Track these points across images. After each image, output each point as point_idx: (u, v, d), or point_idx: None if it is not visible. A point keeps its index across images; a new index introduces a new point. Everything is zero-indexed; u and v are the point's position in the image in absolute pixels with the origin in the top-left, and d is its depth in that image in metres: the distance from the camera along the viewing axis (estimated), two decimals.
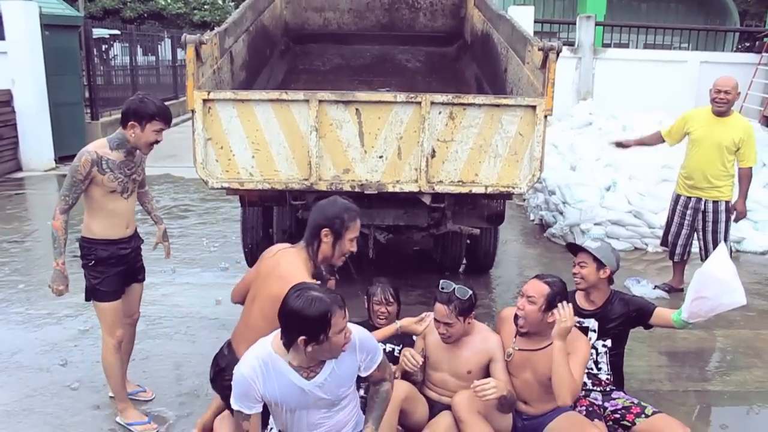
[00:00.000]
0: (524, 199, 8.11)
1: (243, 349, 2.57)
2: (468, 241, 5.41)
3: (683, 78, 10.49)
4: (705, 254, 5.02)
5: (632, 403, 3.20)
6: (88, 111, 11.66)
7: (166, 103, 3.39)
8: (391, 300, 3.40)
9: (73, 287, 3.35)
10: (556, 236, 6.70)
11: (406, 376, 3.12)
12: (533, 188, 7.41)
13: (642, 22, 14.49)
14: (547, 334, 2.99)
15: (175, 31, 19.26)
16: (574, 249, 3.40)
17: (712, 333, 4.67)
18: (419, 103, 3.82)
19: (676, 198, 5.22)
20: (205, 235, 6.75)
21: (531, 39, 4.36)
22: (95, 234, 3.24)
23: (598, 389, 3.31)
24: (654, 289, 5.32)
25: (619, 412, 3.18)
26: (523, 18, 9.22)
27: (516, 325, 3.06)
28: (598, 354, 3.32)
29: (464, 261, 5.74)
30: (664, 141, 5.30)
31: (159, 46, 18.09)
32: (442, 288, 3.08)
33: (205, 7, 23.77)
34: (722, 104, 4.89)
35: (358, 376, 2.56)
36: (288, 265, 2.69)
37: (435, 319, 3.08)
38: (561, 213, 6.81)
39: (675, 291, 5.27)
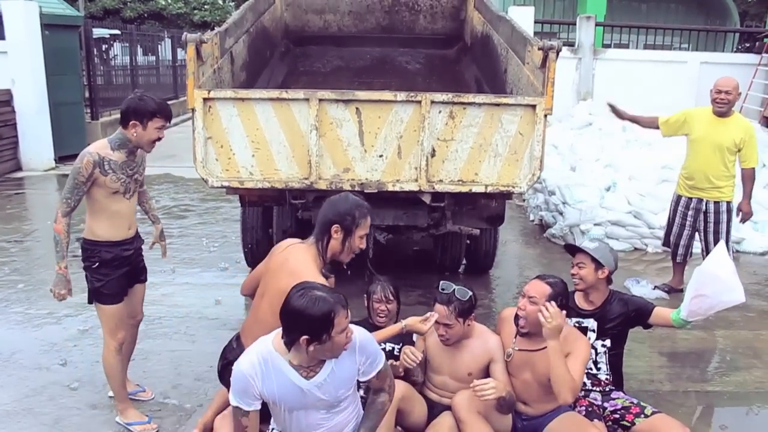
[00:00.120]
0: (524, 200, 8.11)
1: (251, 343, 2.58)
2: (468, 242, 5.41)
3: (683, 78, 10.49)
4: (707, 255, 5.01)
5: (632, 403, 3.20)
6: (88, 111, 11.66)
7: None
8: (391, 298, 3.39)
9: (73, 287, 3.34)
10: (555, 237, 6.70)
11: (406, 377, 3.12)
12: (533, 188, 7.43)
13: (642, 23, 14.50)
14: None
15: (175, 31, 19.27)
16: (572, 250, 3.40)
17: (712, 333, 4.67)
18: (419, 102, 3.82)
19: (677, 199, 5.21)
20: (204, 235, 6.75)
21: (531, 39, 4.36)
22: (98, 236, 3.21)
23: (598, 389, 3.31)
24: (654, 289, 5.32)
25: (619, 412, 3.18)
26: (523, 18, 9.23)
27: (517, 325, 3.06)
28: (597, 354, 3.32)
29: (464, 261, 5.74)
30: (658, 128, 5.26)
31: (159, 46, 18.09)
32: (442, 289, 3.07)
33: (206, 7, 23.80)
34: (723, 105, 4.89)
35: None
36: (298, 260, 2.69)
37: (435, 321, 3.07)
38: (561, 213, 6.81)
39: (675, 291, 5.27)
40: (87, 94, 11.77)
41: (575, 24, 10.80)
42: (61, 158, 10.24)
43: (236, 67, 4.90)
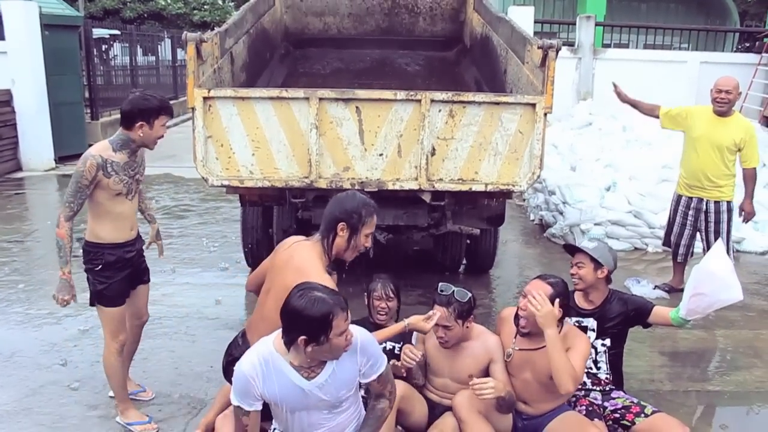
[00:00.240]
0: (524, 199, 8.11)
1: (257, 339, 2.58)
2: (468, 242, 5.41)
3: (683, 78, 10.49)
4: None
5: (632, 402, 3.20)
6: (88, 111, 11.66)
7: None
8: (392, 296, 3.39)
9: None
10: (556, 236, 6.70)
11: (408, 378, 3.12)
12: (533, 188, 7.44)
13: (642, 23, 14.50)
14: None
15: (175, 31, 19.27)
16: (572, 250, 3.40)
17: (713, 333, 4.67)
18: (419, 100, 3.82)
19: (678, 198, 5.21)
20: (205, 235, 6.75)
21: (530, 39, 4.36)
22: (102, 238, 3.18)
23: (598, 389, 3.30)
24: (654, 289, 5.32)
25: (619, 411, 3.18)
26: (523, 18, 9.23)
27: (517, 325, 3.06)
28: (597, 353, 3.32)
29: (464, 261, 5.74)
30: (657, 117, 5.24)
31: (159, 46, 18.11)
32: (441, 290, 3.07)
33: (205, 7, 23.79)
34: (723, 104, 4.88)
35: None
36: (303, 257, 2.69)
37: None
38: (561, 213, 6.81)
39: (675, 291, 5.26)
40: (87, 95, 11.77)
41: (575, 24, 10.80)
42: (61, 158, 10.24)
43: (236, 67, 4.90)
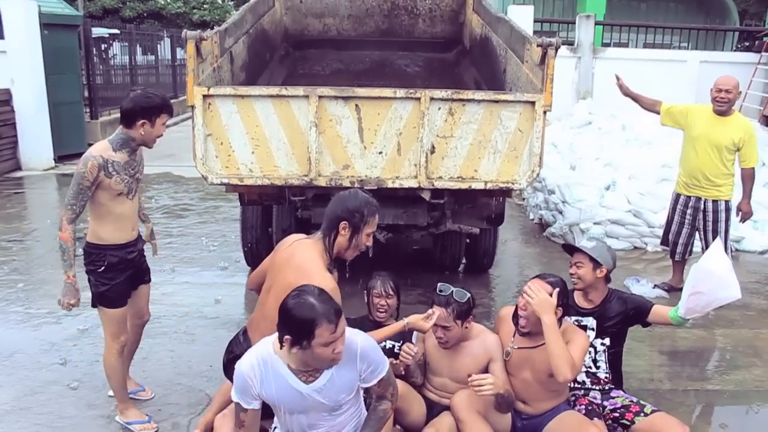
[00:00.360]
0: (524, 199, 8.11)
1: (258, 338, 2.57)
2: (467, 241, 5.41)
3: (683, 77, 10.49)
4: None
5: (631, 401, 3.20)
6: (88, 110, 11.65)
7: None
8: (391, 293, 3.38)
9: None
10: (555, 235, 6.70)
11: (406, 377, 3.12)
12: (533, 187, 7.44)
13: (641, 22, 14.49)
14: None
15: (174, 30, 19.27)
16: (570, 249, 3.40)
17: (712, 332, 4.67)
18: (418, 98, 3.82)
19: (676, 197, 5.21)
20: (204, 234, 6.74)
21: (529, 37, 4.36)
22: (104, 239, 3.16)
23: (597, 388, 3.30)
24: (653, 288, 5.31)
25: (618, 410, 3.18)
26: (523, 17, 9.23)
27: (516, 324, 3.06)
28: (596, 353, 3.32)
29: (464, 260, 5.74)
30: (658, 113, 5.23)
31: (158, 45, 18.09)
32: (440, 291, 3.06)
33: (205, 6, 23.80)
34: (723, 103, 4.88)
35: None
36: (304, 256, 2.69)
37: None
38: (560, 212, 6.81)
39: (674, 290, 5.26)
40: (86, 94, 11.76)
41: (575, 23, 10.80)
42: (61, 158, 10.24)
43: (236, 67, 4.90)
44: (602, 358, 3.33)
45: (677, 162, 5.36)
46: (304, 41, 6.89)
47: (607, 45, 12.41)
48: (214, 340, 4.20)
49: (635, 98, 5.36)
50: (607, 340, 3.32)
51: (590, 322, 3.32)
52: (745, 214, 5.12)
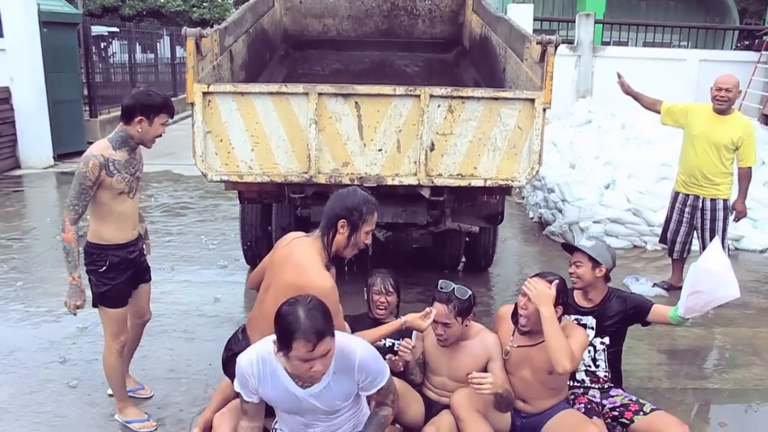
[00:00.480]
0: (523, 197, 8.11)
1: (256, 336, 2.57)
2: (467, 239, 5.41)
3: (683, 76, 10.50)
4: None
5: (630, 400, 3.20)
6: (87, 108, 11.65)
7: None
8: (391, 290, 3.38)
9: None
10: (555, 234, 6.70)
11: (405, 375, 3.12)
12: (532, 185, 7.44)
13: (641, 20, 14.48)
14: None
15: (173, 28, 19.26)
16: (570, 249, 3.40)
17: (711, 331, 4.67)
18: (418, 96, 3.82)
19: (675, 195, 5.21)
20: (203, 233, 6.74)
21: (529, 36, 4.35)
22: (106, 239, 3.15)
23: (597, 387, 3.31)
24: (653, 287, 5.31)
25: (618, 409, 3.18)
26: (522, 16, 9.23)
27: (516, 323, 3.06)
28: (596, 351, 3.32)
29: (463, 259, 5.73)
30: (658, 112, 5.23)
31: (158, 43, 18.10)
32: (442, 288, 3.06)
33: (204, 4, 23.80)
34: (723, 102, 4.88)
35: None
36: (302, 254, 2.68)
37: (433, 320, 3.06)
38: (560, 211, 6.81)
39: (674, 289, 5.26)
40: (86, 92, 11.75)
41: (574, 21, 10.80)
42: (60, 156, 10.24)
43: (235, 65, 4.90)
44: (602, 357, 3.33)
45: (677, 161, 5.36)
46: (303, 41, 6.89)
47: (607, 43, 12.40)
48: (214, 339, 4.20)
49: (636, 97, 5.36)
50: (606, 339, 3.32)
51: (590, 321, 3.32)
52: (739, 213, 5.11)
